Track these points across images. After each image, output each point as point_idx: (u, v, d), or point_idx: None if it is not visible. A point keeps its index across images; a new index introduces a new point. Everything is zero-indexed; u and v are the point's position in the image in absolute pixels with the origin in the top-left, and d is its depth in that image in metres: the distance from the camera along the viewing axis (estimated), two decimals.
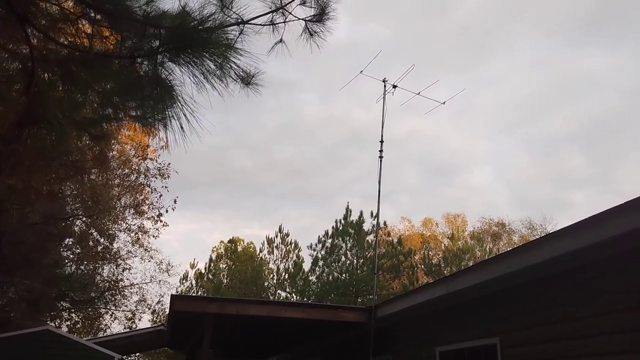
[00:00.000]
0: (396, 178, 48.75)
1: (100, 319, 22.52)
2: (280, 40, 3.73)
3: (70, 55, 3.51)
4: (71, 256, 19.90)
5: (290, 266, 28.35)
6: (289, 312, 7.62)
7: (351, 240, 23.96)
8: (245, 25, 3.49)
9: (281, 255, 30.46)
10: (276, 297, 28.61)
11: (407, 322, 7.23)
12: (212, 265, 32.09)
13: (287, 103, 43.78)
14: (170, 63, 3.29)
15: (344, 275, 23.45)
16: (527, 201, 50.63)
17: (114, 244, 20.47)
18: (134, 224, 20.78)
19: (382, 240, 24.91)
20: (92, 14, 3.45)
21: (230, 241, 34.04)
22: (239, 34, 3.45)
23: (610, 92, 48.46)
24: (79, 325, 22.58)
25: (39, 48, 3.53)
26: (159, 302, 23.86)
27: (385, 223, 27.05)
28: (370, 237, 23.81)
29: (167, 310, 12.61)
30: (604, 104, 47.86)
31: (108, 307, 22.18)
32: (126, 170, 19.32)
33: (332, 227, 24.48)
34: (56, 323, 20.40)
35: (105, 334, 20.85)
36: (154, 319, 25.24)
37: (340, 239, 24.11)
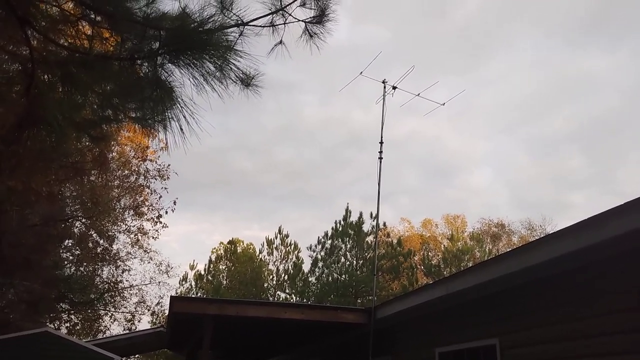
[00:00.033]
0: (396, 179, 48.83)
1: (100, 320, 22.49)
2: (280, 42, 3.73)
3: (70, 56, 3.51)
4: (71, 257, 19.89)
5: (290, 267, 28.36)
6: (289, 313, 7.62)
7: (351, 242, 23.97)
8: (245, 27, 3.49)
9: (281, 256, 30.47)
10: (276, 299, 28.59)
11: (406, 323, 7.23)
12: (211, 266, 32.10)
13: (287, 104, 43.85)
14: (170, 65, 3.29)
15: (343, 276, 23.45)
16: (527, 202, 50.72)
17: (113, 246, 20.47)
18: (134, 226, 20.78)
19: (381, 241, 24.91)
20: (92, 16, 3.45)
21: (230, 242, 34.06)
22: (239, 35, 3.45)
23: (610, 92, 48.59)
24: (78, 327, 22.54)
25: (39, 49, 3.54)
26: (158, 303, 23.84)
27: (384, 224, 27.10)
28: (369, 238, 23.82)
29: (167, 312, 12.61)
30: (603, 104, 47.98)
31: (107, 309, 22.15)
32: (126, 172, 19.31)
33: (332, 228, 24.51)
34: (56, 325, 20.38)
35: (104, 336, 20.79)
36: (154, 320, 25.20)
37: (340, 240, 24.13)
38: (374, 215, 23.41)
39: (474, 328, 5.74)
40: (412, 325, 7.14)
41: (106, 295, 21.49)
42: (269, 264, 31.07)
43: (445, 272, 28.31)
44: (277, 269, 30.39)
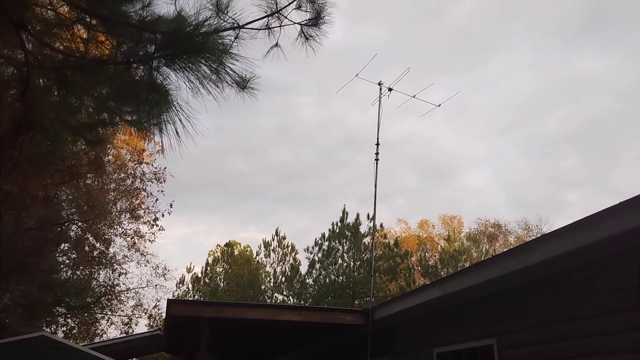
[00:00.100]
0: (392, 180, 48.81)
1: (97, 324, 22.41)
2: (276, 45, 3.74)
3: (65, 60, 3.51)
4: (67, 261, 19.82)
5: (287, 269, 28.34)
6: (286, 315, 7.61)
7: (348, 243, 23.98)
8: (241, 30, 3.50)
9: (278, 258, 30.44)
10: (273, 301, 28.56)
11: (404, 323, 7.24)
12: (208, 269, 32.04)
13: (283, 106, 43.83)
14: (165, 68, 3.30)
15: (341, 277, 23.45)
16: (523, 202, 50.84)
17: (110, 249, 20.43)
18: (130, 229, 20.74)
19: (378, 243, 24.93)
20: (88, 19, 3.45)
21: (227, 245, 34.02)
22: (235, 38, 3.46)
23: (605, 93, 48.79)
24: (75, 331, 22.47)
25: (34, 53, 3.53)
26: (155, 306, 23.79)
27: (381, 225, 27.15)
28: (366, 240, 23.83)
29: (164, 315, 12.58)
30: (599, 105, 48.16)
31: (104, 312, 22.09)
32: (122, 175, 19.29)
33: (329, 230, 24.51)
34: (52, 329, 20.30)
35: (101, 340, 20.73)
36: (151, 323, 25.11)
37: (337, 242, 24.13)
38: (370, 216, 23.50)
39: (471, 328, 5.75)
40: (410, 326, 7.15)
41: (103, 298, 21.43)
42: (266, 266, 31.07)
43: (442, 273, 28.34)
44: (275, 271, 30.37)
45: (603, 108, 47.40)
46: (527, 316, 4.94)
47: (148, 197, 20.11)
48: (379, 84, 9.28)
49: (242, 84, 3.55)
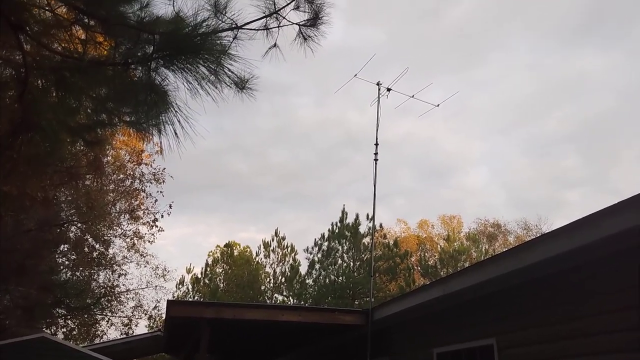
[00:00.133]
0: (391, 180, 48.84)
1: (97, 325, 22.41)
2: (274, 45, 3.74)
3: (63, 61, 3.50)
4: (66, 262, 19.81)
5: (287, 270, 28.33)
6: (286, 315, 7.61)
7: (347, 243, 23.98)
8: (239, 31, 3.50)
9: (277, 258, 30.43)
10: (273, 301, 28.55)
11: (404, 324, 7.24)
12: (208, 269, 32.02)
13: (281, 106, 43.84)
14: (164, 69, 3.29)
15: (340, 278, 23.45)
16: (523, 202, 50.86)
17: (109, 250, 20.43)
18: (130, 230, 20.75)
19: (378, 243, 24.94)
20: (86, 20, 3.45)
21: (227, 245, 34.00)
22: (233, 39, 3.46)
23: (605, 92, 48.81)
24: (75, 332, 22.46)
25: (32, 54, 3.53)
26: (155, 307, 23.80)
27: (381, 225, 27.18)
28: (366, 240, 23.84)
29: (164, 316, 12.57)
30: (599, 105, 48.19)
31: (104, 314, 22.08)
32: (121, 176, 19.29)
33: (328, 230, 24.51)
34: (52, 330, 20.28)
35: (101, 341, 20.73)
36: (151, 324, 25.11)
37: (337, 242, 24.13)
38: (370, 216, 23.50)
39: (471, 328, 5.75)
40: (410, 326, 7.15)
41: (103, 300, 21.42)
42: (265, 267, 31.05)
43: (442, 273, 28.34)
44: (274, 272, 30.36)
45: (603, 107, 47.47)
46: (526, 316, 4.94)
47: (147, 197, 20.14)
48: (378, 84, 9.28)
49: (241, 84, 3.54)
